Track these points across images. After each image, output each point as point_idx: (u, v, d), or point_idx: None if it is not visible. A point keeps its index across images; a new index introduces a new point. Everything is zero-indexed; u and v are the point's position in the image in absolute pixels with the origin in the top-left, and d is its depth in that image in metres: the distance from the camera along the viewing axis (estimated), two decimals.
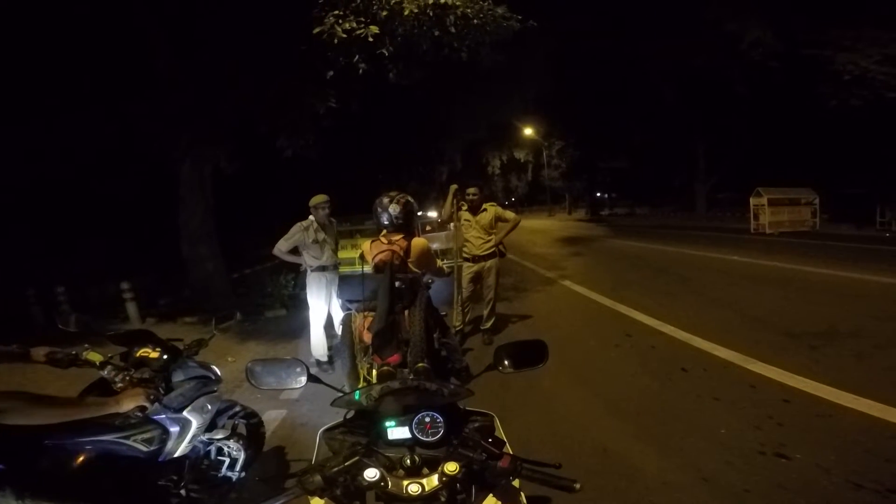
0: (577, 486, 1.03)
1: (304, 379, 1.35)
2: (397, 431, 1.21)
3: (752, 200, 14.93)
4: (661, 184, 28.97)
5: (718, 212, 22.68)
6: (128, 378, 1.83)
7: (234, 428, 2.38)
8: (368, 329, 2.84)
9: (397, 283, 2.73)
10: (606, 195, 38.52)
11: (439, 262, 3.30)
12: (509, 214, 5.33)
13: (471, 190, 5.15)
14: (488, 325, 5.34)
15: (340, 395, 1.31)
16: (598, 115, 25.40)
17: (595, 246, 14.73)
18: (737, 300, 6.22)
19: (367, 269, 3.03)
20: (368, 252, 3.05)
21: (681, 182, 26.25)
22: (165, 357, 2.02)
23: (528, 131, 32.25)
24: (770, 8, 14.58)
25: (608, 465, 2.70)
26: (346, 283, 3.03)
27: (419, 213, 13.12)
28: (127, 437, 1.67)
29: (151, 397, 1.70)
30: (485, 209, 5.12)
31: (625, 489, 2.46)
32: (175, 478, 1.91)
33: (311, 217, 4.70)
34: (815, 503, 2.23)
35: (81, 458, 1.57)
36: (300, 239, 4.61)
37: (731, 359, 4.16)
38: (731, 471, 2.54)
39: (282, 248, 4.63)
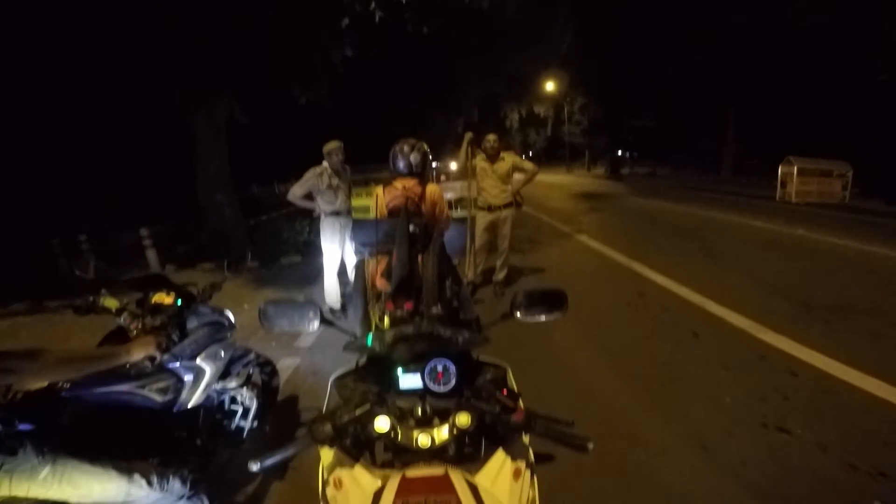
0: (591, 445, 1.01)
1: (317, 323, 1.33)
2: (409, 380, 1.20)
3: (782, 168, 14.34)
4: (686, 145, 27.95)
5: (744, 178, 21.90)
6: (141, 325, 1.84)
7: (248, 377, 2.41)
8: (382, 275, 2.86)
9: (411, 228, 2.72)
10: (628, 154, 37.36)
11: (447, 212, 3.27)
12: (527, 165, 5.24)
13: (490, 137, 5.07)
14: (500, 276, 5.34)
15: (353, 339, 1.31)
16: (625, 71, 24.21)
17: (613, 203, 14.46)
18: (755, 267, 6.10)
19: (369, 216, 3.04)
20: (381, 197, 3.04)
21: (707, 144, 25.25)
22: (179, 302, 2.02)
23: (550, 86, 30.97)
24: None
25: (612, 426, 2.75)
26: (358, 226, 3.02)
27: (434, 164, 12.95)
28: (142, 387, 1.68)
29: (163, 345, 1.70)
30: (502, 158, 5.03)
31: (625, 452, 2.52)
32: (189, 429, 1.94)
33: (324, 163, 4.68)
34: (809, 480, 2.26)
35: (98, 411, 1.59)
36: (314, 184, 4.62)
37: (743, 326, 4.13)
38: (731, 441, 2.57)
39: (296, 193, 4.67)
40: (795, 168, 13.79)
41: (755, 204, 13.23)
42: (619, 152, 35.84)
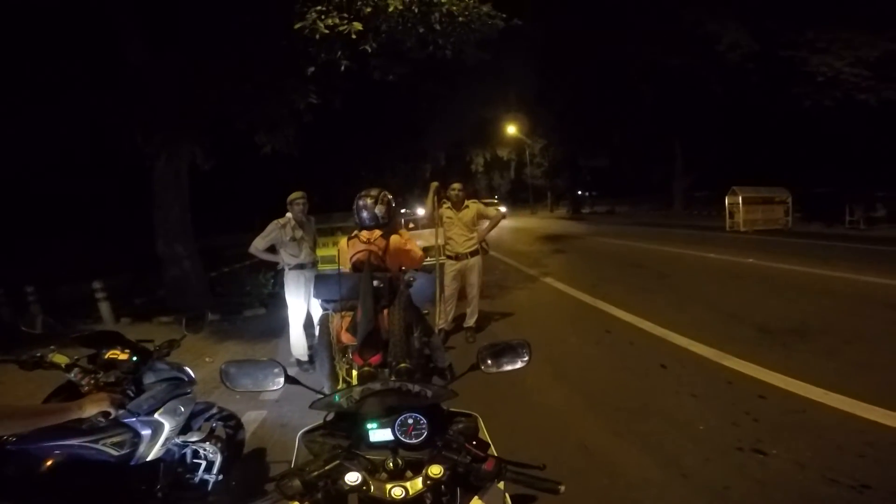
0: (562, 488, 1.02)
1: (281, 380, 1.31)
2: (379, 433, 1.18)
3: (728, 199, 15.28)
4: (639, 182, 29.52)
5: (695, 210, 23.16)
6: (93, 381, 1.77)
7: (211, 430, 2.34)
8: (347, 330, 2.80)
9: (375, 283, 2.69)
10: (587, 193, 38.98)
11: (420, 253, 3.20)
12: (491, 211, 5.39)
13: (455, 185, 5.19)
14: (471, 322, 5.34)
15: (320, 396, 1.28)
16: (580, 113, 25.65)
17: (576, 244, 14.87)
18: (712, 296, 6.36)
19: (343, 269, 2.99)
20: (345, 250, 3.01)
21: (659, 180, 26.73)
22: (135, 359, 1.95)
23: (512, 129, 32.36)
24: (748, 9, 14.83)
25: (589, 462, 2.72)
26: (321, 282, 2.97)
27: (403, 211, 13.07)
28: (95, 442, 1.62)
29: (117, 401, 1.63)
30: (467, 206, 5.14)
31: (606, 487, 2.48)
32: (149, 481, 1.86)
33: (288, 214, 4.61)
34: (793, 498, 2.28)
35: (49, 463, 1.52)
36: (277, 237, 4.52)
37: (707, 355, 4.23)
38: (710, 467, 2.58)
39: (259, 245, 4.52)
40: (741, 198, 14.73)
41: (707, 236, 13.93)
42: (580, 192, 37.35)
